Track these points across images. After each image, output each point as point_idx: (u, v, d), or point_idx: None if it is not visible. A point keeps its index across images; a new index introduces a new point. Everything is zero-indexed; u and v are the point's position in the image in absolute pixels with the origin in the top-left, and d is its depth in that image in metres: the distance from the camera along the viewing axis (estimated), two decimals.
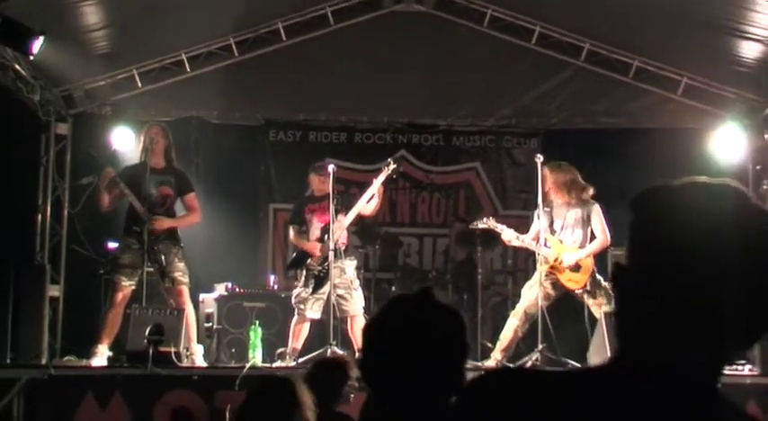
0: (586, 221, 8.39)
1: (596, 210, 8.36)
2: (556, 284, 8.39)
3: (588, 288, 8.29)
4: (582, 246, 8.35)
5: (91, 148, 8.89)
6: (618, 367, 1.42)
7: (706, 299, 1.34)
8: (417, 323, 2.44)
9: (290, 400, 4.13)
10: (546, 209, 8.43)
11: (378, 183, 8.68)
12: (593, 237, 8.38)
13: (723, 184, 1.42)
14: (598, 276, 8.30)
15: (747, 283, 1.34)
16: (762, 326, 1.39)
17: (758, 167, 10.00)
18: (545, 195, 8.44)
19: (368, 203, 8.70)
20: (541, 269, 8.33)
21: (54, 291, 9.38)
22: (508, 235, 8.59)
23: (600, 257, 8.41)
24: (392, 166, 8.76)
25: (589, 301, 8.37)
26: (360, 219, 8.92)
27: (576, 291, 8.38)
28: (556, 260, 8.29)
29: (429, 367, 2.37)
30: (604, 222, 8.30)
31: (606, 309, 8.12)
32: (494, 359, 8.35)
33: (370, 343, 2.51)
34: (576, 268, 8.30)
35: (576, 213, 8.37)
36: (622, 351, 1.43)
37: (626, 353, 1.42)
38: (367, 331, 2.56)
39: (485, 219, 8.86)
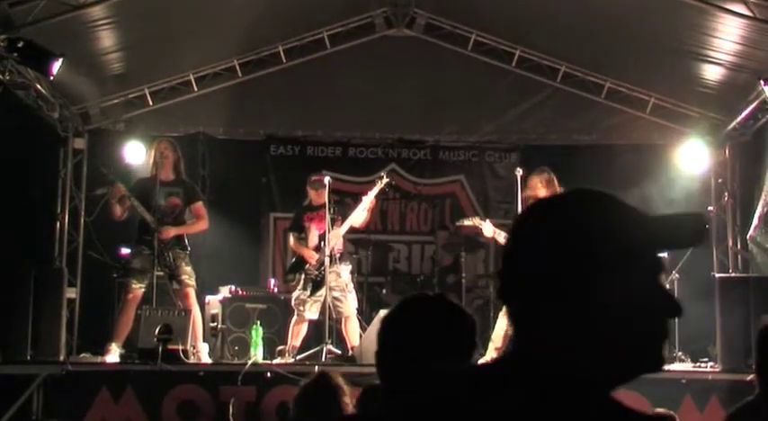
0: None
1: None
2: None
3: None
4: None
5: (102, 166, 8.87)
6: (513, 368, 1.33)
7: (603, 309, 1.27)
8: (434, 321, 2.41)
9: (333, 388, 4.23)
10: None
11: (371, 196, 8.67)
12: None
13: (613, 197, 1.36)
14: None
15: (639, 296, 1.29)
16: (661, 336, 1.31)
17: (719, 180, 10.06)
18: (525, 198, 8.34)
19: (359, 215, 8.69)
20: None
21: (71, 293, 9.34)
22: (488, 229, 8.55)
23: None
24: (384, 181, 8.76)
25: None
26: (352, 229, 8.91)
27: None
28: None
29: (441, 363, 2.32)
30: None
31: None
32: (489, 357, 8.31)
33: (388, 338, 2.46)
34: None
35: None
36: (518, 353, 1.34)
37: (522, 356, 1.33)
38: (384, 327, 2.48)
39: (469, 218, 8.87)
